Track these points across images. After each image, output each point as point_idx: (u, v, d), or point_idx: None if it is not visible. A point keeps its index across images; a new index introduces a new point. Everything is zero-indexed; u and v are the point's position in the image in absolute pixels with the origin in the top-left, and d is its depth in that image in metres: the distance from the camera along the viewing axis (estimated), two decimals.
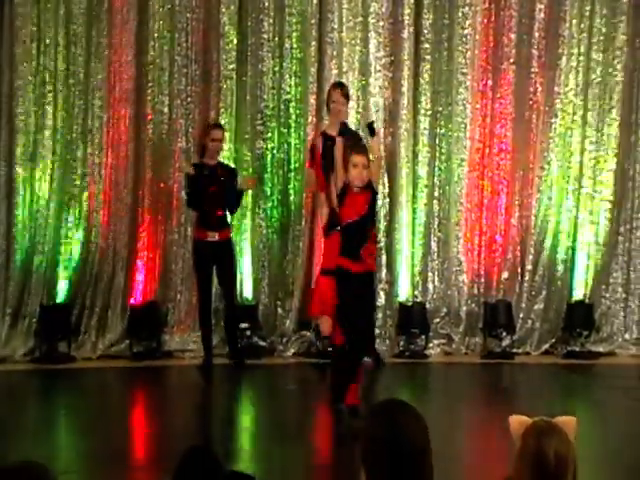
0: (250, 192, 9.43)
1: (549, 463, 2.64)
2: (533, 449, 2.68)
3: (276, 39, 9.56)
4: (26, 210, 9.06)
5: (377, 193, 7.20)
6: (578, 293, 9.80)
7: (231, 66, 9.47)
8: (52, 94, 9.13)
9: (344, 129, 8.11)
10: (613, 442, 6.84)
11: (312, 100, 9.57)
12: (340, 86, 8.53)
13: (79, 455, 6.63)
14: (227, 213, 8.75)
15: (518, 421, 2.79)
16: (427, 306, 9.59)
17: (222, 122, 9.27)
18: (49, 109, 9.13)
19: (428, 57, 9.78)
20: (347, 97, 8.46)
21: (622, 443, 6.80)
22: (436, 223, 9.78)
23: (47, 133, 9.10)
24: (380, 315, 9.46)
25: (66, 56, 9.17)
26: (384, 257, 9.56)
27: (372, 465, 2.37)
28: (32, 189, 9.06)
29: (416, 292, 9.66)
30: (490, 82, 9.84)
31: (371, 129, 7.25)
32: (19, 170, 9.05)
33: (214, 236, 8.54)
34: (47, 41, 9.13)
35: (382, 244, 9.49)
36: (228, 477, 2.60)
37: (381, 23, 9.67)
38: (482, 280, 9.76)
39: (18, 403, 7.62)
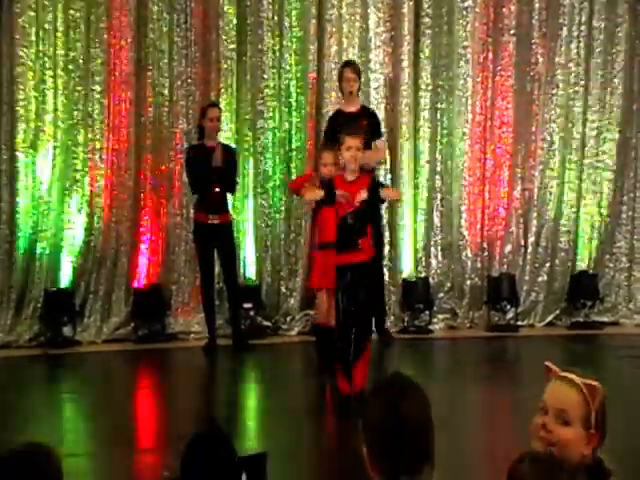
0: (251, 172, 9.47)
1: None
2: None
3: (275, 18, 9.53)
4: (28, 196, 9.07)
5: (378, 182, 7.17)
6: (582, 264, 9.81)
7: (231, 46, 9.45)
8: (52, 80, 9.10)
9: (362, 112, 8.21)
10: (619, 411, 6.84)
11: (312, 78, 9.55)
12: (350, 64, 8.60)
13: (85, 438, 6.69)
14: (228, 195, 8.76)
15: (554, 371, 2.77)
16: (431, 281, 9.61)
17: (223, 103, 9.28)
18: (49, 95, 9.11)
19: (428, 31, 9.74)
20: (358, 74, 8.52)
21: (628, 412, 6.81)
22: (438, 198, 9.77)
23: (48, 119, 9.09)
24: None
25: (65, 41, 9.14)
26: (387, 233, 9.57)
27: (373, 442, 2.38)
28: (34, 175, 9.07)
29: (419, 267, 9.67)
30: (491, 55, 9.82)
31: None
32: (20, 156, 9.05)
33: (214, 219, 8.56)
34: (46, 26, 9.11)
35: (385, 221, 9.50)
36: (240, 462, 2.62)
37: None
38: (485, 253, 9.77)
39: (24, 388, 7.68)
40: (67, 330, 8.93)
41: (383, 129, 9.56)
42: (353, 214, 6.71)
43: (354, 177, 6.78)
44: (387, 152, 9.39)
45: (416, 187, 9.70)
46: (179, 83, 9.40)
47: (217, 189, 8.54)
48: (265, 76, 9.53)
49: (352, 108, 8.54)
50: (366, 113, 8.58)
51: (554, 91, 9.82)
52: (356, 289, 6.78)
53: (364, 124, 8.20)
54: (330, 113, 8.95)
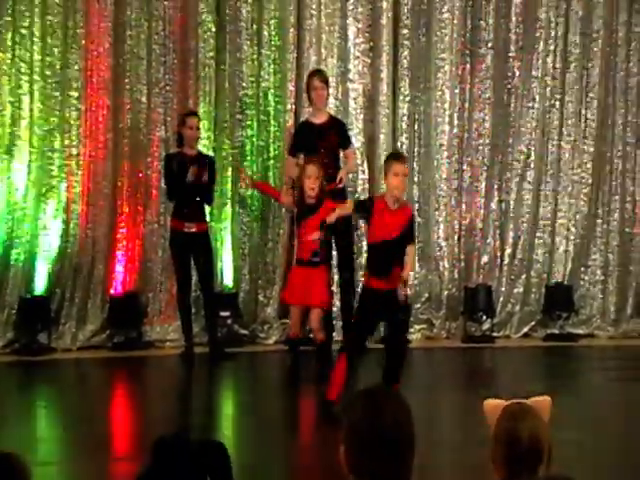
0: (229, 180, 9.45)
1: (523, 445, 2.67)
2: (506, 432, 2.70)
3: (254, 26, 9.53)
4: (3, 202, 8.99)
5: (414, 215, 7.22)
6: (557, 276, 9.88)
7: (209, 54, 9.43)
8: (28, 85, 9.03)
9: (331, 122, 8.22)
10: (592, 423, 6.90)
11: (291, 87, 9.56)
12: (318, 73, 8.63)
13: (60, 446, 6.63)
14: (205, 204, 8.72)
15: (493, 405, 2.81)
16: (408, 292, 9.60)
17: (201, 111, 9.25)
18: (25, 100, 9.04)
19: (407, 43, 9.78)
20: (326, 83, 8.54)
21: (601, 424, 6.87)
22: (416, 208, 9.79)
23: (23, 125, 9.02)
24: None
25: (42, 47, 9.07)
26: (364, 244, 9.56)
27: (352, 447, 2.37)
28: (9, 181, 9.00)
29: None
30: (468, 67, 9.87)
31: None
32: None
33: (191, 227, 8.51)
34: (22, 32, 9.04)
35: (362, 231, 9.51)
36: (197, 448, 2.61)
37: (360, 9, 9.66)
38: (462, 264, 9.81)
39: None
40: (42, 337, 8.84)
41: (362, 140, 9.62)
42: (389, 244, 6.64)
43: (397, 206, 6.67)
44: (360, 161, 9.42)
45: None
46: (157, 90, 9.36)
47: (197, 198, 8.53)
48: (244, 84, 9.52)
49: (320, 119, 8.51)
50: (334, 124, 8.55)
51: (530, 104, 9.90)
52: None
53: (333, 140, 8.26)
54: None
